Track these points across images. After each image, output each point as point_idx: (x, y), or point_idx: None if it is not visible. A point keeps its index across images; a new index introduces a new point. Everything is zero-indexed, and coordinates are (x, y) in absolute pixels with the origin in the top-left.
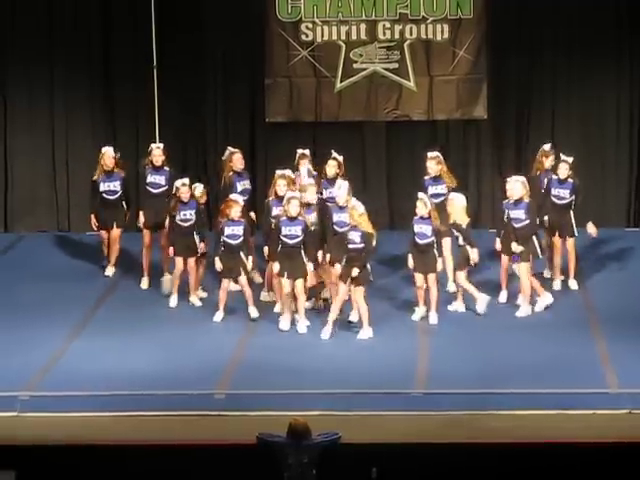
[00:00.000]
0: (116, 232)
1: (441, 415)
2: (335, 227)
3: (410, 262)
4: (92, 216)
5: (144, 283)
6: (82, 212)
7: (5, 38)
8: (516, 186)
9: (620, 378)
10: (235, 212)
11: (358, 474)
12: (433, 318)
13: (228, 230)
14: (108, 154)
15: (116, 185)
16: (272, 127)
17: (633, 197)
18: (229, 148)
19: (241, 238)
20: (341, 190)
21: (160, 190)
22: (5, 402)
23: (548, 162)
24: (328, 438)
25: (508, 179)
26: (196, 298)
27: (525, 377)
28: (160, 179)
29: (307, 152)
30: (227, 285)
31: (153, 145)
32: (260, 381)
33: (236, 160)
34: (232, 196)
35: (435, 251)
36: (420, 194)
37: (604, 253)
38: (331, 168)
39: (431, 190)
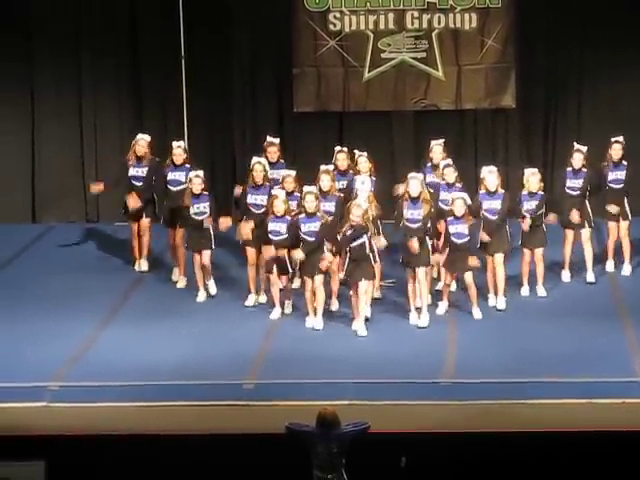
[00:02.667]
0: (145, 222)
1: (470, 404)
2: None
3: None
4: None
5: (175, 275)
6: (111, 202)
7: (33, 29)
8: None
9: None
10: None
11: (387, 463)
12: (477, 314)
13: (304, 227)
14: (143, 141)
15: (144, 171)
16: (300, 117)
17: None
18: (268, 137)
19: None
20: (365, 185)
21: (180, 187)
22: (35, 393)
23: (613, 153)
24: (357, 427)
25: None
26: (204, 294)
27: (554, 366)
28: (180, 175)
29: (345, 149)
30: (310, 286)
31: (174, 143)
32: (289, 371)
33: (270, 152)
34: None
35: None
36: (456, 194)
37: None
38: (364, 165)
39: (429, 178)
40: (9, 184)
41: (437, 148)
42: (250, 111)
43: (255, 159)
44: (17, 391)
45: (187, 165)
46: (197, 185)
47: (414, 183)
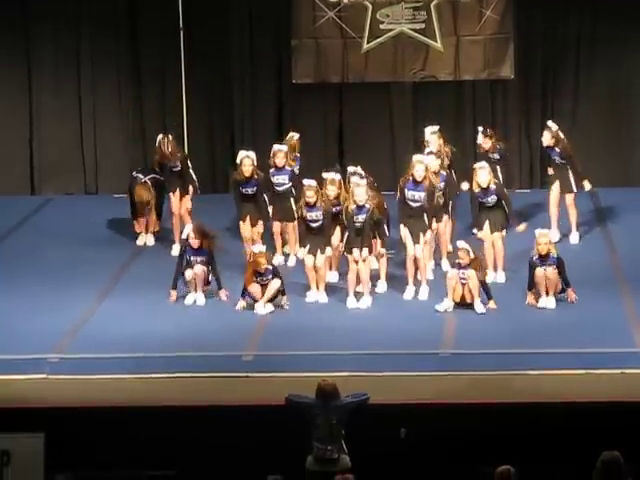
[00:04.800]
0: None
1: (469, 375)
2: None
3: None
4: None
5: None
6: (110, 174)
7: (31, 1)
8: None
9: None
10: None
11: (387, 434)
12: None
13: (308, 216)
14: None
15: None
16: (299, 88)
17: None
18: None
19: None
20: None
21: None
22: (34, 364)
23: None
24: (357, 399)
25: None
26: (202, 296)
27: (553, 337)
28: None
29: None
30: (312, 263)
31: (159, 137)
32: (288, 342)
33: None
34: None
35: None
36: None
37: (631, 212)
38: None
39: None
40: (8, 156)
41: (432, 137)
42: (249, 83)
43: (243, 153)
44: (17, 363)
45: (179, 154)
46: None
47: (420, 167)
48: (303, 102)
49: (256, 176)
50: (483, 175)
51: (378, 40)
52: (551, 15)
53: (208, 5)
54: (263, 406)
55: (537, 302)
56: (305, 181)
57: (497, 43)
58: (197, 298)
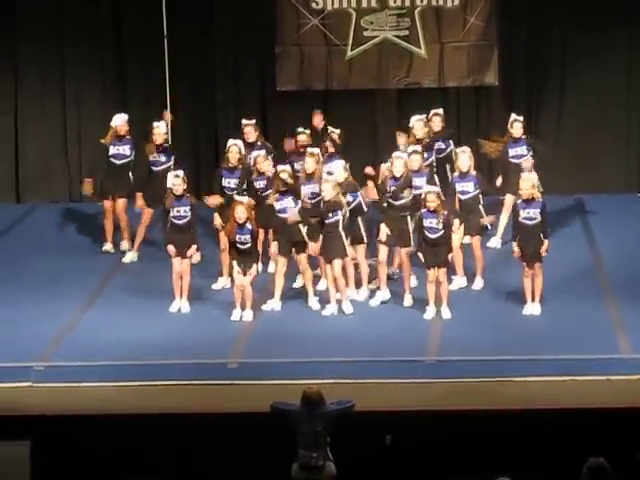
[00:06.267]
0: (121, 202)
1: (454, 382)
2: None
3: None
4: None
5: (107, 246)
6: (95, 182)
7: (16, 14)
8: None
9: (633, 343)
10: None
11: (372, 441)
12: (446, 313)
13: (278, 205)
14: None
15: (125, 149)
16: (283, 96)
17: None
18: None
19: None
20: (334, 163)
21: (124, 161)
22: (19, 372)
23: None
24: (342, 406)
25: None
26: (187, 304)
27: (538, 343)
28: (124, 149)
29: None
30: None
31: (155, 123)
32: (273, 350)
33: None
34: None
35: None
36: (429, 187)
37: (616, 218)
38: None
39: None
40: None
41: (401, 137)
42: (233, 90)
43: (231, 141)
44: (2, 371)
45: (128, 137)
46: (178, 186)
47: (399, 163)
48: (287, 109)
49: (241, 166)
50: (464, 159)
51: (362, 47)
52: (535, 22)
53: (192, 12)
54: (248, 413)
55: (522, 254)
56: (279, 167)
57: (481, 50)
58: (182, 306)
